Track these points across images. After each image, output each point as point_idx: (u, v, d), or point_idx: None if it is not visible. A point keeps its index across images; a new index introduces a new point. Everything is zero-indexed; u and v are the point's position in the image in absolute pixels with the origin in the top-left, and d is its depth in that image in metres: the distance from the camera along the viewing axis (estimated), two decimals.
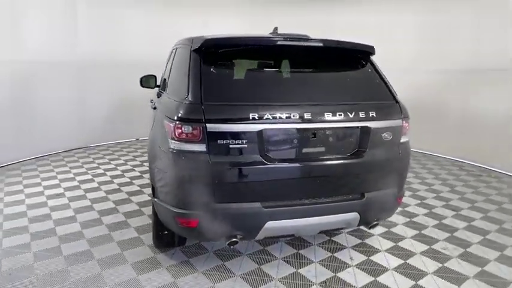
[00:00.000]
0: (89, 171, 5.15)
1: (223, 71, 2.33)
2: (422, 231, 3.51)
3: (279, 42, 2.31)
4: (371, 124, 2.35)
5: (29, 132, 5.60)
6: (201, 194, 2.12)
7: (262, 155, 2.15)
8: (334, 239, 3.28)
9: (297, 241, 3.18)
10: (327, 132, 2.27)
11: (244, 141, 2.09)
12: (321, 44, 2.41)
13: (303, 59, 2.55)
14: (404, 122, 2.51)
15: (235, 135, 2.08)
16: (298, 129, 2.20)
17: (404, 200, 4.29)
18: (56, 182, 4.65)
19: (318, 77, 2.55)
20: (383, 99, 2.51)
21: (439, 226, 3.65)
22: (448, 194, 4.63)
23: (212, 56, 2.30)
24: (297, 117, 2.16)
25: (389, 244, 3.22)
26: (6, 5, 5.17)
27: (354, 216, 2.40)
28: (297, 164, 2.23)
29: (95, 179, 4.83)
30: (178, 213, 2.19)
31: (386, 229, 3.52)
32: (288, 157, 2.23)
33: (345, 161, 2.32)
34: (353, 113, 2.28)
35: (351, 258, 2.94)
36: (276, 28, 2.81)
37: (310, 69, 2.58)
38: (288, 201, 2.25)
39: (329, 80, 2.57)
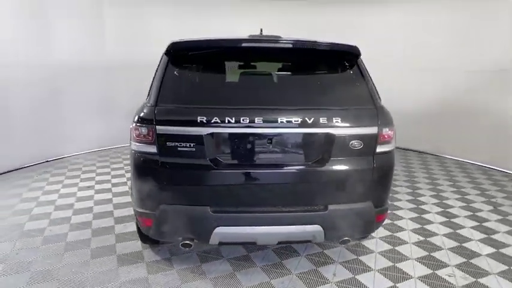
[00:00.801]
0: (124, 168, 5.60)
1: (187, 73, 2.36)
2: (432, 254, 3.12)
3: (243, 44, 2.27)
4: (335, 131, 2.17)
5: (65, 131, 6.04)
6: (153, 195, 2.18)
7: (210, 159, 2.13)
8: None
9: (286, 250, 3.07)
10: (285, 138, 2.15)
11: (192, 144, 2.10)
12: (290, 46, 2.30)
13: (272, 61, 2.45)
14: (382, 130, 2.26)
15: (183, 138, 2.10)
16: (251, 134, 2.12)
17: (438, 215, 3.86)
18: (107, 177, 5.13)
19: (285, 80, 2.43)
20: (358, 104, 2.30)
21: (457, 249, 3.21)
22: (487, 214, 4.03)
23: (180, 59, 2.35)
24: (250, 121, 2.09)
25: (386, 264, 2.93)
26: (34, 8, 5.46)
27: (316, 229, 2.23)
28: (250, 170, 2.16)
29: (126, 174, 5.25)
30: (138, 211, 2.28)
31: (391, 247, 3.21)
32: (240, 162, 2.17)
33: (305, 170, 2.17)
34: (313, 119, 2.13)
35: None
36: (261, 30, 2.76)
37: (279, 72, 2.47)
38: (241, 208, 2.19)
39: (297, 83, 2.44)
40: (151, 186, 2.17)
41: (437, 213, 4.00)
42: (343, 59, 2.47)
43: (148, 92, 2.29)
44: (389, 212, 3.95)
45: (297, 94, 2.31)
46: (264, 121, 2.10)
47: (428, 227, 3.62)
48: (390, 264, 2.91)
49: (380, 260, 2.97)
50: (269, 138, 2.14)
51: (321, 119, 2.13)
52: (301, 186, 2.18)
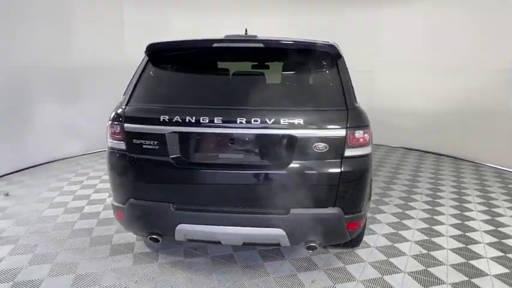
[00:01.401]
0: None
1: (161, 74, 2.43)
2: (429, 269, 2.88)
3: (213, 45, 2.28)
4: (297, 133, 2.10)
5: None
6: (123, 189, 2.29)
7: (173, 157, 2.18)
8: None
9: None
10: (245, 139, 2.13)
11: (156, 142, 2.17)
12: (261, 45, 2.27)
13: (244, 61, 2.43)
14: (352, 132, 2.14)
15: (148, 136, 2.18)
16: (211, 134, 2.14)
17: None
18: None
19: (255, 80, 2.40)
20: (327, 105, 2.20)
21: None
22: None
23: (157, 60, 2.43)
24: (210, 121, 2.11)
25: (373, 275, 2.76)
26: (55, 12, 5.79)
27: (278, 232, 2.18)
28: (212, 170, 2.17)
29: None
30: (112, 204, 2.41)
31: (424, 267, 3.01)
32: (202, 162, 2.19)
33: (266, 172, 2.13)
34: (273, 120, 2.08)
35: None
36: (246, 30, 2.76)
37: (250, 72, 2.44)
38: (203, 207, 2.21)
39: (267, 83, 2.39)
40: (121, 181, 2.28)
41: (453, 225, 3.68)
42: (319, 58, 2.38)
43: (125, 91, 2.41)
44: (397, 221, 3.72)
45: (264, 94, 2.27)
46: (223, 121, 2.10)
47: (437, 240, 3.34)
48: (377, 276, 2.74)
49: (368, 270, 2.81)
50: (230, 138, 2.13)
51: (282, 120, 2.08)
52: (262, 188, 2.14)
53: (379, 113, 7.48)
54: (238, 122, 2.09)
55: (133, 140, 2.21)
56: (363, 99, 8.37)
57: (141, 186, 2.25)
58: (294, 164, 2.12)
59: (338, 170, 2.13)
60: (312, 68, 2.41)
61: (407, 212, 4.01)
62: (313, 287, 2.60)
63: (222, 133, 2.13)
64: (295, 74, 2.44)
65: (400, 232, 3.49)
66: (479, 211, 4.07)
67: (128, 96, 2.31)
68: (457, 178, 5.36)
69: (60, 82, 5.92)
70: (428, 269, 2.85)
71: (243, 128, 2.10)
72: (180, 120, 2.13)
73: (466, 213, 3.98)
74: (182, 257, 2.97)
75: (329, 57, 2.36)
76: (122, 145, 2.25)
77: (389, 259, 2.98)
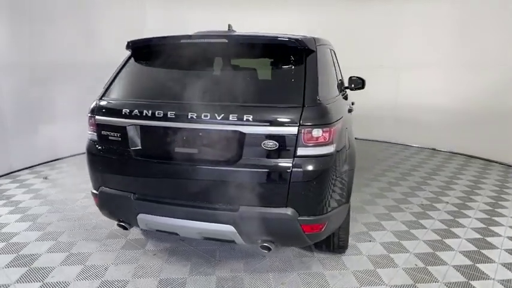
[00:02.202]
0: None
1: (137, 70, 2.53)
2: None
3: (181, 41, 2.33)
4: (245, 129, 2.05)
5: None
6: (96, 178, 2.46)
7: (132, 149, 2.28)
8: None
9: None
10: (200, 134, 2.14)
11: (119, 134, 2.29)
12: (225, 41, 2.26)
13: (214, 56, 2.44)
14: (306, 131, 2.03)
15: (113, 128, 2.31)
16: (167, 128, 2.18)
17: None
18: None
19: (219, 75, 2.39)
20: (283, 102, 2.10)
21: None
22: None
23: (135, 56, 2.55)
24: (164, 115, 2.16)
25: (351, 284, 2.59)
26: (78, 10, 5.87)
27: (229, 229, 2.16)
28: (166, 163, 2.21)
29: None
30: (91, 191, 2.60)
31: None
32: (157, 154, 2.25)
33: (215, 167, 2.12)
34: (223, 115, 2.05)
35: None
36: (229, 26, 2.77)
37: (214, 68, 2.43)
38: (159, 198, 2.28)
39: (229, 78, 2.36)
40: (94, 170, 2.45)
41: (470, 239, 3.28)
42: (286, 53, 2.29)
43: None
44: (405, 229, 3.43)
45: (221, 90, 2.26)
46: (176, 115, 2.14)
47: (442, 254, 3.01)
48: (355, 286, 2.57)
49: (347, 278, 2.65)
50: (182, 132, 2.16)
51: (231, 115, 2.05)
52: (213, 184, 2.13)
53: (404, 111, 7.28)
54: (189, 117, 2.11)
55: (102, 132, 2.36)
56: (386, 96, 7.57)
57: (109, 176, 2.40)
58: (243, 161, 2.08)
59: (288, 170, 2.04)
60: (276, 63, 2.34)
61: (421, 220, 3.66)
62: None
63: (175, 127, 2.16)
64: (258, 69, 2.39)
65: (402, 242, 3.21)
66: (510, 226, 3.56)
67: (104, 90, 2.47)
68: (488, 183, 4.72)
69: (89, 78, 6.33)
70: (416, 284, 2.59)
71: (194, 123, 2.11)
72: (139, 114, 2.22)
73: (492, 228, 3.51)
74: (168, 246, 3.10)
75: (297, 52, 2.27)
76: (94, 136, 2.41)
77: (376, 269, 2.78)
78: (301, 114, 2.03)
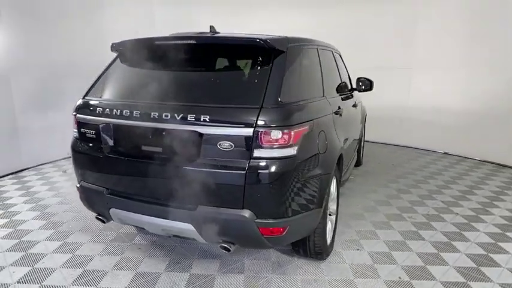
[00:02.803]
0: None
1: (116, 70, 2.63)
2: None
3: (156, 43, 2.40)
4: (202, 130, 2.06)
5: None
6: (77, 172, 2.61)
7: (104, 146, 2.39)
8: None
9: None
10: (163, 133, 2.19)
11: (93, 132, 2.41)
12: (194, 42, 2.31)
13: (184, 57, 2.47)
14: (263, 132, 2.01)
15: (89, 126, 2.43)
16: (134, 127, 2.24)
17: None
18: None
19: (188, 76, 2.43)
20: (242, 103, 2.10)
21: None
22: None
23: (120, 57, 2.67)
24: (130, 114, 2.23)
25: None
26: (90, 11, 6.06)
27: (188, 227, 2.18)
28: (134, 160, 2.29)
29: None
30: (76, 185, 2.76)
31: None
32: (125, 152, 2.34)
33: (174, 166, 2.15)
34: (182, 115, 2.08)
35: None
36: (210, 27, 2.81)
37: (185, 68, 2.47)
38: (127, 194, 2.36)
39: (197, 79, 2.38)
40: (75, 165, 2.60)
41: (471, 255, 3.04)
42: (254, 54, 2.28)
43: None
44: (400, 240, 3.25)
45: (186, 90, 2.29)
46: (141, 115, 2.20)
47: (433, 268, 2.83)
48: None
49: (322, 286, 2.57)
50: (147, 131, 2.22)
51: (189, 116, 2.07)
52: (174, 182, 2.16)
53: (417, 112, 6.99)
54: (152, 117, 2.17)
55: (81, 130, 2.50)
56: (399, 98, 7.15)
57: (87, 171, 2.53)
58: (200, 161, 2.10)
59: (243, 172, 2.02)
60: (241, 64, 2.33)
61: (421, 231, 3.45)
62: None
63: (141, 126, 2.23)
64: (223, 70, 2.40)
65: (393, 252, 3.05)
66: None
67: (87, 90, 2.62)
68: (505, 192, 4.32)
69: None
70: None
71: (157, 122, 2.17)
72: (109, 113, 2.32)
73: (501, 244, 3.22)
74: (154, 240, 3.20)
75: (264, 52, 2.25)
76: (76, 134, 2.56)
77: (355, 279, 2.67)
78: (258, 115, 2.01)
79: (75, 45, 5.71)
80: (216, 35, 2.40)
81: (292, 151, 2.09)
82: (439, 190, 4.67)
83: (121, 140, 2.36)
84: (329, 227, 2.89)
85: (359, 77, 4.59)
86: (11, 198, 4.21)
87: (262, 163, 2.03)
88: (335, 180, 3.00)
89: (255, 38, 2.24)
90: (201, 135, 2.08)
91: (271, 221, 2.12)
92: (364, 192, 4.56)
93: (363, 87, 4.54)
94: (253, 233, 2.11)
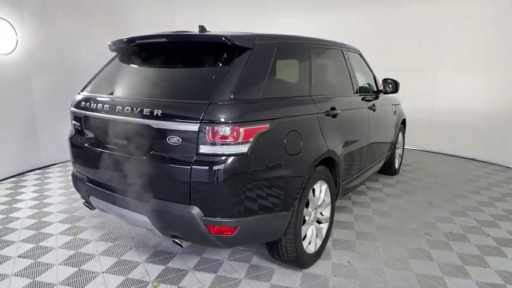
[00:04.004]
0: None
1: (110, 67, 2.78)
2: None
3: (137, 41, 2.51)
4: (154, 124, 2.08)
5: None
6: (71, 161, 2.83)
7: (85, 137, 2.55)
8: None
9: None
10: (124, 127, 2.25)
11: (79, 124, 2.59)
12: (165, 40, 2.36)
13: (159, 55, 2.53)
14: (209, 128, 1.96)
15: (76, 119, 2.63)
16: (104, 120, 2.37)
17: None
18: None
19: (154, 72, 2.47)
20: (191, 98, 2.08)
21: None
22: None
23: (118, 55, 2.84)
24: (102, 108, 2.35)
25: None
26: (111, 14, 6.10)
27: (144, 219, 2.22)
28: (103, 152, 2.39)
29: None
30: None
31: None
32: (98, 144, 2.46)
33: (131, 159, 2.20)
34: (138, 110, 2.12)
35: None
36: (199, 26, 2.86)
37: (157, 65, 2.51)
38: (100, 184, 2.49)
39: (163, 76, 2.41)
40: (70, 155, 2.82)
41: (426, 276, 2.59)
42: (217, 51, 2.25)
43: None
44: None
45: (148, 86, 2.34)
46: (109, 109, 2.31)
47: None
48: None
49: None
50: (113, 124, 2.31)
51: (144, 110, 2.10)
52: (131, 174, 2.22)
53: (440, 116, 6.62)
54: (116, 110, 2.27)
55: (73, 122, 2.71)
56: (422, 100, 6.53)
57: (75, 160, 2.73)
58: (152, 155, 2.13)
59: (189, 167, 2.00)
60: (205, 60, 2.31)
61: (434, 251, 3.04)
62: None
63: (107, 119, 2.34)
64: (188, 66, 2.38)
65: (386, 270, 2.75)
66: None
67: (83, 86, 2.84)
68: None
69: None
70: None
71: (119, 116, 2.25)
72: (88, 106, 2.49)
73: None
74: (147, 231, 3.33)
75: (228, 50, 2.22)
76: (71, 125, 2.80)
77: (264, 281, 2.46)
78: (205, 111, 1.98)
79: (94, 45, 5.31)
80: (185, 33, 2.42)
81: (242, 149, 2.02)
82: (478, 207, 4.07)
83: (95, 132, 2.52)
84: (310, 233, 2.72)
85: (385, 78, 4.24)
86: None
87: (208, 159, 1.99)
88: (325, 186, 2.81)
89: (219, 36, 2.21)
90: (153, 129, 2.12)
91: (219, 219, 2.06)
92: (388, 206, 4.18)
93: (389, 88, 4.20)
94: (201, 230, 2.08)
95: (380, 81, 4.27)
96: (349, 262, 2.85)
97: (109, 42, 2.81)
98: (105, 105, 2.35)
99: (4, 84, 4.72)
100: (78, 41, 5.53)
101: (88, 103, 2.50)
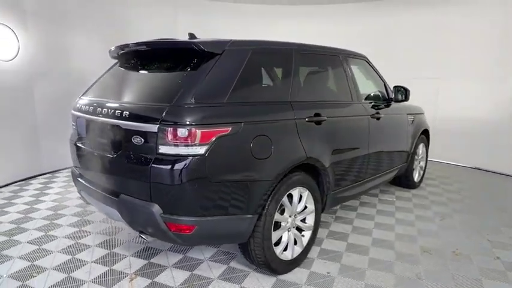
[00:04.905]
0: None
1: (109, 72, 3.03)
2: None
3: (125, 49, 2.71)
4: (123, 124, 2.23)
5: None
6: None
7: (76, 136, 2.80)
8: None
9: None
10: (104, 127, 2.42)
11: (75, 124, 2.85)
12: (145, 47, 2.54)
13: (147, 61, 2.70)
14: (170, 130, 2.05)
15: (72, 120, 2.90)
16: (88, 120, 2.60)
17: None
18: None
19: (132, 77, 2.63)
20: (155, 101, 2.22)
21: None
22: None
23: (117, 61, 3.09)
24: (88, 110, 2.56)
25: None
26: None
27: (115, 213, 2.38)
28: (87, 150, 2.60)
29: None
30: None
31: None
32: (85, 142, 2.68)
33: (108, 156, 2.38)
34: (112, 111, 2.29)
35: None
36: (190, 34, 3.02)
37: (133, 70, 2.69)
38: (86, 179, 2.70)
39: (133, 80, 2.61)
40: (70, 153, 3.10)
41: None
42: (187, 56, 2.36)
43: None
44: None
45: (124, 89, 2.52)
46: (92, 110, 2.52)
47: None
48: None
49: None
50: (94, 125, 2.52)
51: (116, 111, 2.25)
52: (104, 171, 2.41)
53: (444, 125, 6.47)
54: (97, 112, 2.47)
55: (72, 123, 2.99)
56: (425, 109, 6.14)
57: (72, 157, 2.99)
58: (121, 153, 2.28)
59: (149, 166, 2.11)
60: (176, 66, 2.41)
61: (423, 267, 2.85)
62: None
63: (91, 120, 2.56)
64: (162, 71, 2.50)
65: (362, 284, 2.64)
66: None
67: (85, 90, 3.12)
68: None
69: None
70: None
71: (99, 117, 2.45)
72: (80, 108, 2.73)
73: None
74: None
75: (198, 55, 2.33)
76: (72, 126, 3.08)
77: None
78: (164, 113, 2.10)
79: (96, 52, 5.39)
80: (161, 40, 2.58)
81: (199, 150, 2.09)
82: (498, 228, 3.70)
83: (84, 131, 2.75)
84: (286, 239, 2.69)
85: (396, 85, 4.08)
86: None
87: (166, 159, 2.10)
88: (306, 193, 2.78)
89: (189, 42, 2.33)
90: (122, 129, 2.28)
91: (176, 217, 2.15)
92: (388, 216, 3.97)
93: (400, 96, 4.03)
94: (161, 227, 2.18)
95: (391, 89, 4.11)
96: (328, 273, 2.77)
97: (108, 50, 3.07)
98: (91, 108, 2.58)
99: (6, 90, 4.68)
100: (79, 47, 5.57)
101: (81, 106, 2.75)
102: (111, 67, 3.13)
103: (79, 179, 2.83)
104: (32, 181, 5.08)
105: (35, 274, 2.70)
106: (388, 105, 4.05)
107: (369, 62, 3.95)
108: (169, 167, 2.09)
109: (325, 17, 7.43)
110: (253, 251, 2.51)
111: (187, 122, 2.07)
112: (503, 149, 5.88)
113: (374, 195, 4.69)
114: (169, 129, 2.08)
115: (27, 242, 3.21)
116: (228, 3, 7.49)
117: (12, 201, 4.27)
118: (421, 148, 4.97)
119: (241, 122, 2.27)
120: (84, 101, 2.79)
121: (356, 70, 3.77)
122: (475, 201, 4.54)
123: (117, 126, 2.30)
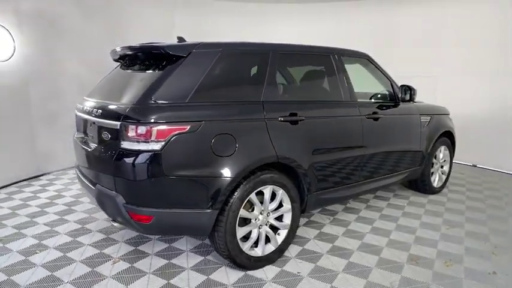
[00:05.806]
0: None
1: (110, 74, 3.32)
2: None
3: (117, 51, 2.98)
4: (97, 121, 2.47)
5: None
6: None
7: (77, 132, 3.12)
8: None
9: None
10: (89, 124, 2.70)
11: (76, 121, 3.20)
12: (129, 52, 2.77)
13: (130, 64, 2.91)
14: (131, 126, 2.24)
15: (75, 116, 3.24)
16: (79, 118, 2.90)
17: None
18: None
19: (121, 79, 2.82)
20: (123, 100, 2.42)
21: None
22: None
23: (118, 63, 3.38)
24: (82, 108, 2.87)
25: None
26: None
27: (94, 201, 2.65)
28: (79, 144, 2.87)
29: None
30: None
31: None
32: (81, 137, 2.96)
33: (87, 150, 2.64)
34: (93, 110, 2.55)
35: None
36: (178, 37, 3.22)
37: (120, 73, 2.89)
38: (80, 171, 2.99)
39: (115, 81, 2.82)
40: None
41: None
42: (160, 59, 2.53)
43: None
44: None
45: (107, 90, 2.76)
46: (82, 109, 2.80)
47: None
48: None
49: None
50: (89, 122, 2.77)
51: (94, 109, 2.51)
52: (87, 163, 2.68)
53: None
54: (85, 110, 2.75)
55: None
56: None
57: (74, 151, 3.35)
58: (97, 147, 2.53)
59: (112, 159, 2.32)
60: (148, 68, 2.59)
61: (412, 277, 2.71)
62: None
63: (81, 117, 2.86)
64: (137, 73, 2.70)
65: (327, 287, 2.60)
66: None
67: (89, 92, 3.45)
68: None
69: None
70: None
71: (85, 114, 2.73)
72: (78, 107, 3.05)
73: None
74: None
75: (165, 58, 2.50)
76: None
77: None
78: (126, 111, 2.29)
79: (93, 53, 5.49)
80: (139, 45, 2.76)
81: (155, 146, 2.25)
82: (510, 247, 3.35)
83: (82, 128, 3.06)
84: (255, 236, 2.75)
85: (402, 84, 3.89)
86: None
87: (126, 154, 2.29)
88: (280, 192, 2.80)
89: (157, 46, 2.51)
90: (96, 125, 2.53)
91: (135, 207, 2.34)
92: (390, 221, 3.79)
93: (406, 96, 3.83)
94: (124, 215, 2.38)
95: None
96: (298, 273, 2.77)
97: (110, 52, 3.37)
98: (82, 106, 2.88)
99: (1, 90, 4.60)
100: (76, 48, 5.49)
101: (78, 104, 3.08)
102: (114, 69, 3.42)
103: (76, 170, 3.16)
104: (33, 182, 5.01)
105: (37, 251, 3.08)
106: (395, 105, 3.87)
107: (371, 61, 3.79)
108: (128, 161, 2.28)
109: (324, 14, 7.27)
110: (218, 244, 2.60)
111: (145, 120, 2.24)
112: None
113: (385, 198, 4.49)
114: (129, 126, 2.27)
115: (31, 236, 3.65)
116: (228, 3, 7.41)
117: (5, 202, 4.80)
118: (442, 151, 4.63)
119: (201, 121, 2.38)
120: (82, 100, 3.11)
121: (356, 69, 3.67)
122: (498, 212, 4.12)
123: (94, 122, 2.56)
